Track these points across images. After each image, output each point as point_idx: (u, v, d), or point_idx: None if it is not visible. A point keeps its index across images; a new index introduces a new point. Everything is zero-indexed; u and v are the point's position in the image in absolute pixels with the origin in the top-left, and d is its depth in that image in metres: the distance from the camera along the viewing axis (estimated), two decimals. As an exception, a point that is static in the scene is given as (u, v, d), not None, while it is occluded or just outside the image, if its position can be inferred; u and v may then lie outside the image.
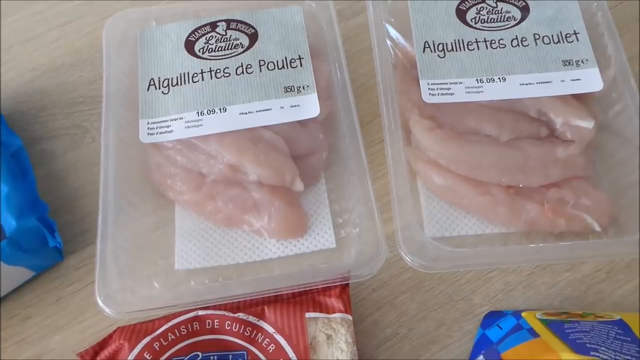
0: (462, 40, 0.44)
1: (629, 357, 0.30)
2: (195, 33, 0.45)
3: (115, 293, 0.37)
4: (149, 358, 0.35)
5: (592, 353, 0.29)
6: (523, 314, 0.36)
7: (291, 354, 0.36)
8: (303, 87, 0.43)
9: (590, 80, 0.42)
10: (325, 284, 0.38)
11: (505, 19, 0.44)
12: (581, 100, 0.43)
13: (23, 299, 0.41)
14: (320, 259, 0.41)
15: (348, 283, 0.38)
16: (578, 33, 0.43)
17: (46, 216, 0.40)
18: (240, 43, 0.44)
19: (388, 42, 0.45)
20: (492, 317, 0.39)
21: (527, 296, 0.41)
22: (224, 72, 0.43)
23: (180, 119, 0.42)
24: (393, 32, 0.46)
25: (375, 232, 0.38)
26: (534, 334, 0.33)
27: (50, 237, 0.39)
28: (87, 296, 0.41)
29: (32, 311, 0.41)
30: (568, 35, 0.43)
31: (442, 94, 0.42)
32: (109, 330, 0.38)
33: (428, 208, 0.43)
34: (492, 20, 0.44)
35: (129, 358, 0.35)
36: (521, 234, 0.41)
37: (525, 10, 0.45)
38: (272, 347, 0.36)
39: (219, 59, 0.44)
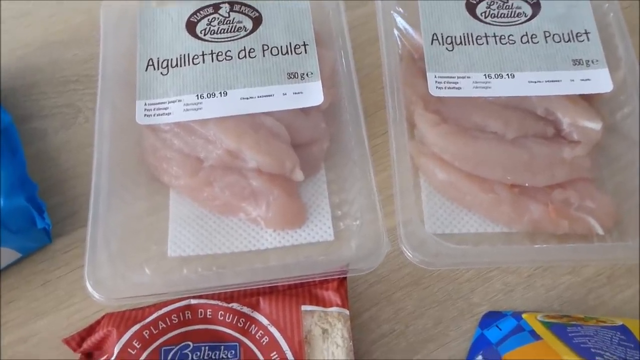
0: (472, 34, 0.43)
1: (634, 363, 0.29)
2: (198, 14, 0.43)
3: (105, 278, 0.35)
4: (138, 346, 0.34)
5: (597, 358, 0.29)
6: (524, 316, 0.36)
7: (285, 347, 0.35)
8: (307, 74, 0.41)
9: (600, 81, 0.41)
10: (323, 277, 0.37)
11: (515, 15, 0.43)
12: (589, 101, 0.42)
13: (8, 281, 0.40)
14: (318, 251, 0.40)
15: (346, 277, 0.37)
16: (589, 32, 0.43)
17: (35, 196, 0.39)
18: (244, 26, 0.43)
19: (395, 32, 0.44)
20: (491, 318, 0.38)
21: (527, 297, 0.40)
22: (225, 55, 0.42)
23: (179, 101, 0.40)
24: (401, 22, 0.45)
25: (377, 226, 0.37)
26: (535, 336, 0.32)
27: (39, 218, 0.38)
28: (75, 280, 0.40)
29: (16, 294, 0.39)
30: (579, 35, 0.43)
31: (449, 88, 0.41)
32: (96, 316, 0.36)
33: (429, 204, 0.42)
34: (502, 15, 0.44)
35: (117, 345, 0.34)
36: (523, 234, 0.41)
37: (536, 7, 0.44)
38: (266, 339, 0.35)
39: (221, 42, 0.42)
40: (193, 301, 0.36)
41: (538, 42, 0.43)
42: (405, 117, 0.42)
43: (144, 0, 0.45)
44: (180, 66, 0.42)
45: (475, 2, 0.44)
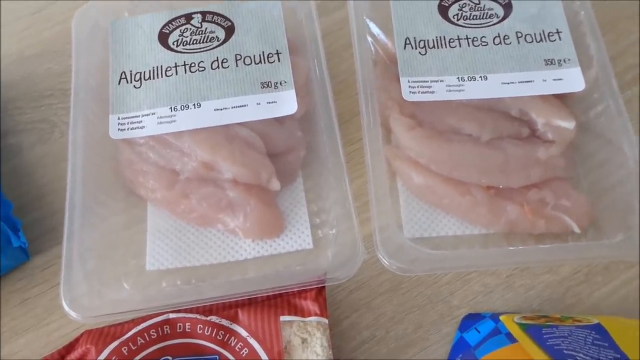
0: (444, 37, 0.43)
1: (606, 364, 0.30)
2: (170, 25, 0.43)
3: (82, 296, 0.35)
4: (116, 363, 0.34)
5: (569, 360, 0.29)
6: (501, 318, 0.36)
7: (265, 358, 0.35)
8: (280, 83, 0.41)
9: (572, 80, 0.42)
10: (301, 287, 0.37)
11: (487, 16, 0.44)
12: (562, 100, 0.43)
13: (-14, 301, 0.40)
14: (297, 260, 0.40)
15: (324, 286, 0.37)
16: (561, 32, 0.43)
17: (10, 215, 0.39)
18: (216, 36, 0.43)
19: (369, 38, 0.44)
20: (470, 320, 0.38)
21: (506, 298, 0.40)
22: (198, 66, 0.42)
23: (152, 114, 0.40)
24: (374, 27, 0.45)
25: (353, 234, 0.38)
26: (511, 339, 0.33)
27: (14, 237, 0.38)
28: (54, 298, 0.39)
29: (-5, 313, 0.39)
30: (551, 34, 0.43)
31: (422, 92, 0.41)
32: (76, 333, 0.36)
33: (407, 208, 0.42)
34: (474, 17, 0.44)
35: (95, 363, 0.34)
36: (501, 235, 0.41)
37: (508, 8, 0.44)
38: (246, 351, 0.35)
39: (193, 53, 0.42)
40: (172, 315, 0.36)
41: (510, 43, 0.43)
42: (381, 122, 0.42)
43: (116, 11, 0.45)
44: (153, 79, 0.41)
45: (447, 4, 0.44)
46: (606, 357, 0.30)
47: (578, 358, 0.29)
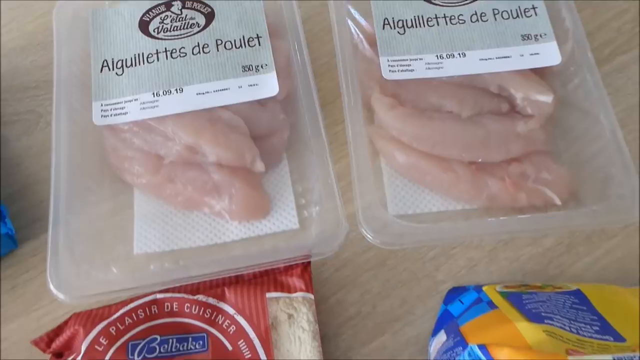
0: (422, 16, 0.43)
1: (583, 325, 0.30)
2: (150, 13, 0.44)
3: (69, 278, 0.36)
4: (104, 342, 0.34)
5: (545, 321, 0.29)
6: (484, 288, 0.36)
7: (252, 334, 0.35)
8: (261, 66, 0.42)
9: (549, 54, 0.42)
10: (287, 263, 0.37)
11: (465, -6, 0.44)
12: (541, 74, 0.43)
13: (-24, 288, 0.40)
14: (283, 240, 0.41)
15: (309, 262, 0.38)
16: (536, 7, 0.43)
17: (-4, 203, 0.39)
18: (197, 22, 0.43)
19: (348, 20, 0.45)
20: (455, 293, 0.39)
21: (490, 271, 0.41)
22: (179, 52, 0.42)
23: (135, 100, 0.41)
24: (353, 10, 0.45)
25: (336, 212, 0.38)
26: (492, 305, 0.33)
27: (2, 224, 0.38)
28: (43, 283, 0.39)
29: (-15, 300, 0.40)
30: (527, 10, 0.43)
31: (402, 70, 0.42)
32: (65, 317, 0.37)
33: (391, 186, 0.43)
34: (452, -5, 0.44)
35: (83, 343, 0.34)
36: (483, 210, 0.41)
37: (484, -15, 0.44)
38: (233, 328, 0.36)
39: (174, 39, 0.43)
40: (159, 296, 0.36)
41: (487, 20, 0.43)
42: (363, 103, 0.42)
43: (96, 1, 0.45)
44: (135, 65, 0.42)
45: (425, -16, 0.45)
46: (583, 320, 0.31)
47: (555, 319, 0.30)
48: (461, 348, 0.30)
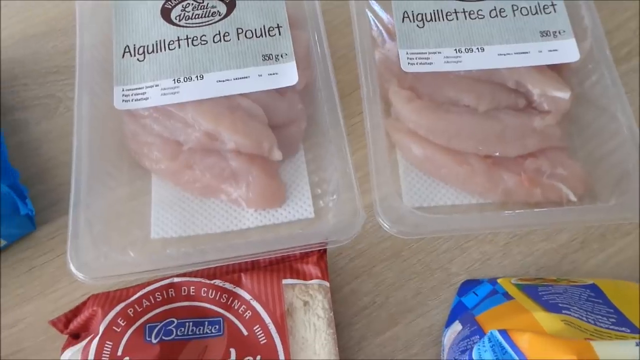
0: (442, 10, 0.44)
1: (599, 317, 0.30)
2: (172, 0, 0.44)
3: (89, 259, 0.36)
4: (122, 324, 0.35)
5: (563, 311, 0.29)
6: (499, 280, 0.37)
7: (267, 320, 0.36)
8: (281, 56, 0.42)
9: (567, 51, 0.42)
10: (303, 250, 0.37)
11: (484, -10, 0.44)
12: (558, 71, 0.43)
13: (-6, 269, 0.40)
14: (299, 229, 0.41)
15: (325, 249, 0.38)
16: (555, 4, 0.44)
17: (17, 183, 0.40)
18: (218, 11, 0.44)
19: (368, 12, 0.45)
20: (469, 285, 0.39)
21: (503, 265, 0.41)
22: (200, 39, 0.42)
23: (156, 86, 0.41)
24: (373, 3, 0.45)
25: (354, 202, 0.38)
26: (508, 297, 0.33)
27: (22, 204, 0.38)
28: (61, 266, 0.40)
29: (2, 281, 0.40)
30: (546, 7, 0.44)
31: (420, 63, 0.42)
32: (82, 299, 0.37)
33: (407, 179, 0.43)
34: (471, -9, 0.44)
35: (102, 324, 0.34)
36: (498, 204, 0.42)
37: (504, -19, 0.45)
38: (249, 313, 0.36)
39: (196, 27, 0.43)
40: (176, 279, 0.37)
41: (506, 15, 0.43)
42: (381, 96, 0.42)
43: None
44: (157, 52, 0.42)
45: (445, -21, 0.45)
46: (600, 312, 0.31)
47: (572, 309, 0.30)
48: (478, 336, 0.30)
